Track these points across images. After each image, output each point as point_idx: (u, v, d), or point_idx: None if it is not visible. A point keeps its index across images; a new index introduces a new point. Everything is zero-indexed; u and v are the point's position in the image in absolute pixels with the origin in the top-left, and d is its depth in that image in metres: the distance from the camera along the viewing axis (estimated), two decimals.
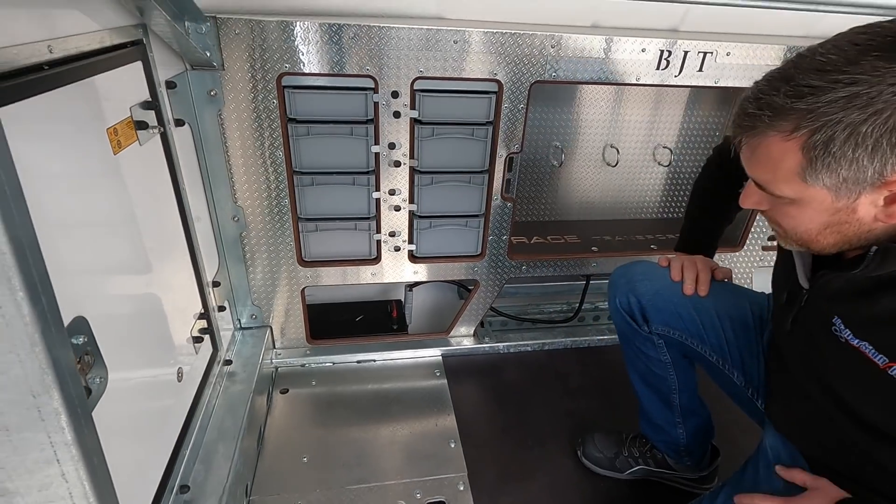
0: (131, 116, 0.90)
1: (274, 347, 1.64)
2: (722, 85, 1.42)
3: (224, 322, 1.46)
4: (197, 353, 1.20)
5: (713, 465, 1.31)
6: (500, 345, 1.77)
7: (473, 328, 1.76)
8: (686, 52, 1.36)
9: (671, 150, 1.81)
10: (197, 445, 1.15)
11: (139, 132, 0.91)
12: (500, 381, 1.69)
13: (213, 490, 1.07)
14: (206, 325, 1.26)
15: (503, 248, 1.59)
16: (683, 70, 1.38)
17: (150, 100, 0.98)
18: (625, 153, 1.80)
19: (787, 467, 0.90)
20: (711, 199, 1.22)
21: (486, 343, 1.76)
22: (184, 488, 1.04)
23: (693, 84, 1.41)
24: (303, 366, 1.66)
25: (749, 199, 0.74)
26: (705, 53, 1.37)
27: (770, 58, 1.39)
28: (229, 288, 1.47)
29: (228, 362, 1.40)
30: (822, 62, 0.59)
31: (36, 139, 0.59)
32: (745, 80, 1.42)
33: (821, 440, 0.87)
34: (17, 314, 0.40)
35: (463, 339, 1.76)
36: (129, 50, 0.90)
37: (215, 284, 1.36)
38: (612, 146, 1.77)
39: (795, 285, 0.82)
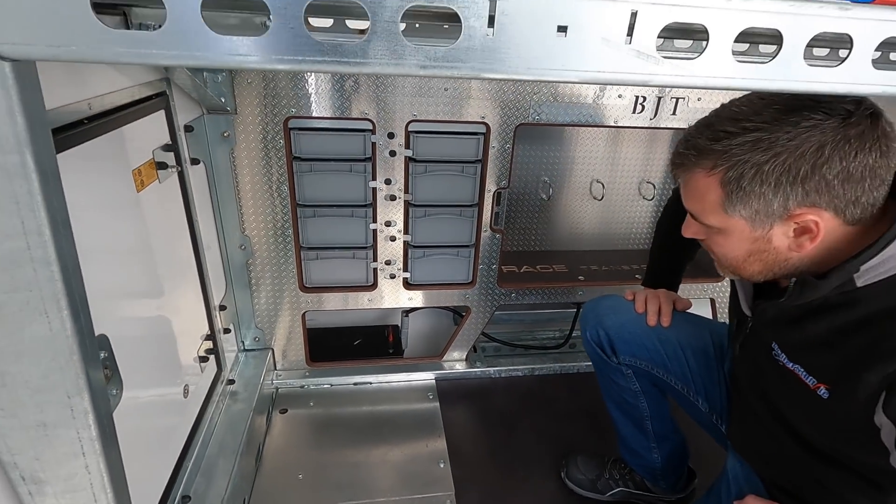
0: (153, 158, 1.02)
1: (275, 369, 1.73)
2: None
3: (228, 344, 1.55)
4: (202, 371, 1.29)
5: (689, 487, 1.36)
6: (492, 369, 1.84)
7: (466, 353, 1.84)
8: (660, 98, 1.47)
9: (655, 186, 1.91)
10: (199, 459, 1.22)
11: (159, 171, 1.03)
12: (491, 404, 1.75)
13: (213, 502, 1.14)
14: (211, 346, 1.35)
15: (493, 276, 1.68)
16: (658, 113, 1.50)
17: (170, 143, 1.10)
18: (610, 188, 1.90)
19: (742, 499, 0.91)
20: (671, 238, 1.27)
21: (478, 367, 1.83)
22: (185, 499, 1.12)
23: (667, 126, 1.52)
24: (302, 387, 1.74)
25: (688, 229, 0.83)
26: (678, 99, 1.48)
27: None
28: (235, 311, 1.57)
29: (231, 382, 1.49)
30: (735, 112, 0.70)
31: (74, 181, 0.71)
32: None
33: (771, 460, 0.94)
34: (61, 329, 0.50)
35: (456, 363, 1.84)
36: (155, 101, 1.02)
37: (222, 308, 1.46)
38: (598, 181, 1.88)
39: (741, 313, 0.91)
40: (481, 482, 1.44)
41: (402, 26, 0.42)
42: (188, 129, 1.20)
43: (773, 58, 0.49)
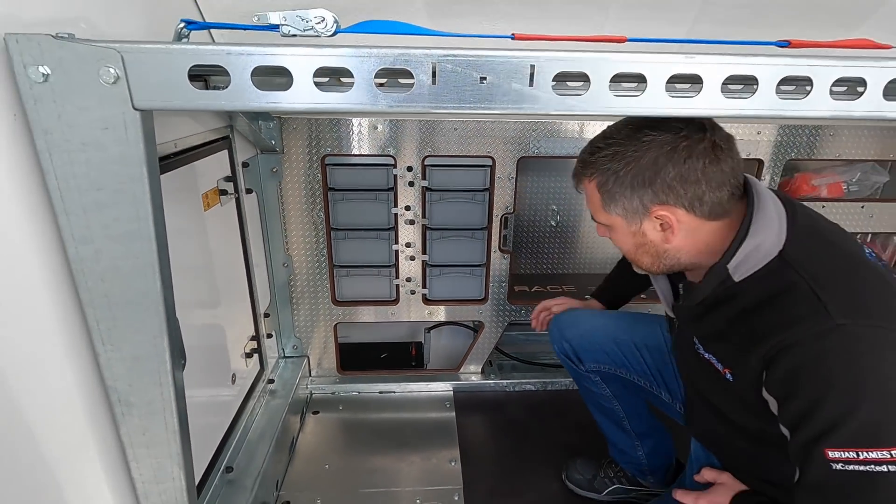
0: (217, 186, 1.30)
1: (310, 375, 1.94)
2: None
3: (270, 350, 1.79)
4: (247, 367, 1.53)
5: (678, 478, 1.43)
6: (505, 381, 1.97)
7: (481, 366, 1.99)
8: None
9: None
10: (241, 440, 1.44)
11: (221, 197, 1.31)
12: (503, 414, 1.88)
13: (251, 474, 1.35)
14: (256, 346, 1.59)
15: (503, 293, 1.86)
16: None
17: (231, 175, 1.39)
18: None
19: (701, 472, 1.05)
20: (623, 267, 1.46)
21: (493, 380, 1.98)
22: (229, 469, 1.33)
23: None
24: (333, 393, 1.94)
25: (598, 230, 0.99)
26: None
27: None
28: (277, 321, 1.82)
29: (271, 381, 1.72)
30: (606, 132, 0.90)
31: (163, 196, 0.98)
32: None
33: (714, 441, 1.06)
34: (153, 286, 0.74)
35: (472, 375, 1.99)
36: (220, 142, 1.32)
37: (266, 315, 1.71)
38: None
39: (668, 315, 1.05)
40: (487, 480, 1.57)
41: (376, 81, 0.65)
42: (245, 165, 1.50)
43: (643, 92, 0.68)
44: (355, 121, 1.58)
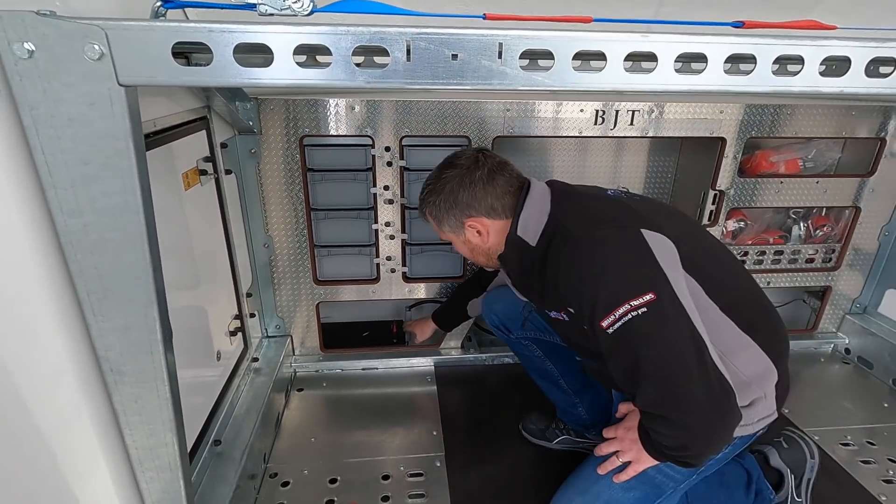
0: (196, 166, 1.31)
1: (293, 354, 1.98)
2: (651, 135, 1.76)
3: (254, 330, 1.82)
4: (231, 344, 1.56)
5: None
6: (484, 355, 2.05)
7: (461, 341, 2.06)
8: (617, 111, 1.72)
9: (627, 189, 2.12)
10: (228, 415, 1.48)
11: (201, 177, 1.33)
12: (482, 386, 1.96)
13: (239, 447, 1.39)
14: (239, 325, 1.62)
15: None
16: (617, 124, 1.74)
17: (209, 155, 1.40)
18: None
19: (618, 409, 1.22)
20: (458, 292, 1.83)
21: (472, 354, 2.05)
22: (217, 442, 1.37)
23: (626, 135, 1.75)
24: (316, 371, 1.99)
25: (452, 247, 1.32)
26: (633, 111, 1.72)
27: (690, 112, 1.74)
28: (259, 301, 1.85)
29: (255, 359, 1.75)
30: (428, 177, 1.27)
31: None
32: (671, 131, 1.76)
33: (601, 375, 1.29)
34: (143, 258, 0.77)
35: (452, 350, 2.06)
36: (198, 122, 1.33)
37: (248, 295, 1.73)
38: (623, 187, 2.11)
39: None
40: (467, 447, 1.64)
41: (353, 59, 0.69)
42: (223, 145, 1.51)
43: (602, 69, 0.73)
44: (333, 101, 1.60)
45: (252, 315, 1.78)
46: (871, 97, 1.81)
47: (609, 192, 1.23)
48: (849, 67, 0.76)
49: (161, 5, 0.95)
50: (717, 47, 0.74)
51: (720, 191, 1.88)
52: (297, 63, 0.69)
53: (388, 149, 1.69)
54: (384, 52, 0.69)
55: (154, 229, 0.78)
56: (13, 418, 0.79)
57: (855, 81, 0.77)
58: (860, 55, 0.76)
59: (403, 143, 1.69)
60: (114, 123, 0.69)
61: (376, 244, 1.83)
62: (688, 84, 0.76)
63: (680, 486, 1.18)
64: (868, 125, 1.85)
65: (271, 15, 0.92)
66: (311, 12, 0.82)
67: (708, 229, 1.87)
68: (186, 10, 1.23)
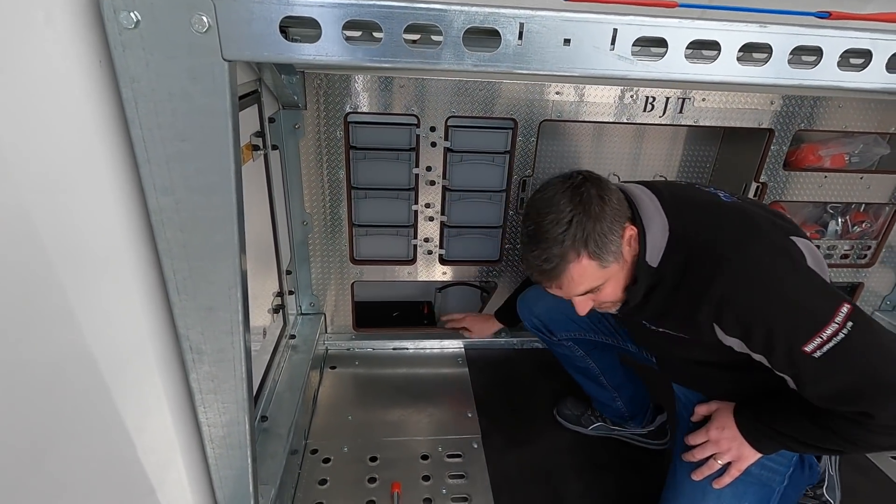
0: (250, 141, 1.29)
1: (326, 332, 1.99)
2: (700, 124, 1.73)
3: (290, 308, 1.82)
4: (273, 321, 1.56)
5: (656, 420, 1.59)
6: (515, 339, 2.05)
7: None
8: (668, 98, 1.68)
9: (665, 178, 2.10)
10: (271, 392, 1.49)
11: (254, 152, 1.31)
12: (513, 370, 1.97)
13: (285, 424, 1.40)
14: (280, 303, 1.62)
15: (518, 255, 1.91)
16: (666, 112, 1.70)
17: (260, 130, 1.37)
18: (626, 178, 2.10)
19: (695, 412, 1.19)
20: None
21: (503, 338, 2.05)
22: (264, 418, 1.38)
23: (675, 123, 1.72)
24: (348, 349, 1.99)
25: (583, 308, 1.07)
26: (684, 99, 1.69)
27: (740, 102, 1.70)
28: (296, 279, 1.84)
29: (293, 336, 1.76)
30: (534, 231, 0.99)
31: None
32: (719, 121, 1.73)
33: (694, 381, 1.23)
34: (231, 237, 0.76)
35: None
36: (251, 96, 1.30)
37: (288, 272, 1.73)
38: (614, 174, 2.08)
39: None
40: (503, 428, 1.66)
41: (464, 38, 0.66)
42: (271, 120, 1.48)
43: (714, 60, 0.71)
44: (378, 78, 1.57)
45: (291, 292, 1.78)
46: None
47: (711, 191, 1.09)
48: None
49: None
50: (833, 41, 0.71)
51: (763, 183, 1.86)
52: (406, 42, 0.66)
53: (433, 129, 1.65)
54: (496, 34, 0.66)
55: (242, 210, 0.76)
56: (94, 395, 0.79)
57: None
58: None
59: (449, 124, 1.66)
60: (215, 100, 0.66)
61: (415, 225, 1.82)
62: (801, 79, 0.74)
63: (786, 477, 1.12)
64: None
65: None
66: None
67: None
68: None
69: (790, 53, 0.71)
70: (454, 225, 1.83)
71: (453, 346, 2.03)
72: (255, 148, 1.31)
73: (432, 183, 1.74)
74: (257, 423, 1.35)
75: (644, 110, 1.69)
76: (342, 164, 1.68)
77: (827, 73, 0.72)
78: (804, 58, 0.73)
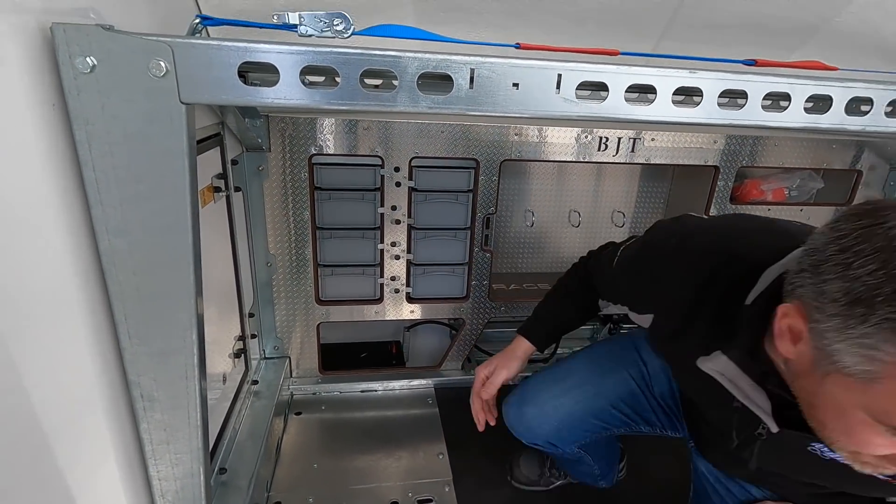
0: (211, 183, 1.28)
1: (291, 376, 1.93)
2: (652, 162, 1.83)
3: (254, 349, 1.77)
4: (234, 366, 1.51)
5: (622, 468, 1.56)
6: None
7: (461, 362, 2.05)
8: (619, 139, 1.78)
9: (624, 214, 2.19)
10: (231, 441, 1.42)
11: (215, 194, 1.30)
12: None
13: (245, 475, 1.33)
14: (242, 347, 1.57)
15: (484, 291, 1.92)
16: (619, 151, 1.80)
17: (222, 172, 1.37)
18: (586, 216, 2.18)
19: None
20: (574, 302, 1.25)
21: (472, 375, 2.03)
22: (223, 470, 1.31)
23: (628, 162, 1.82)
24: (314, 393, 1.93)
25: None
26: (635, 139, 1.79)
27: (686, 141, 1.82)
28: (259, 321, 1.79)
29: (255, 382, 1.70)
30: None
31: None
32: (668, 159, 1.83)
33: (788, 493, 1.01)
34: (187, 277, 0.75)
35: (452, 371, 2.04)
36: (214, 139, 1.30)
37: (251, 315, 1.68)
38: (575, 211, 2.16)
39: (753, 423, 0.83)
40: (476, 471, 1.62)
41: (418, 83, 0.70)
42: (234, 162, 1.48)
43: (651, 102, 0.76)
44: (343, 121, 1.60)
45: (253, 336, 1.73)
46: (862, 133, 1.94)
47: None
48: (830, 105, 0.81)
49: (200, 22, 0.94)
50: (757, 86, 0.78)
51: None
52: (362, 86, 0.69)
53: (397, 169, 1.69)
54: (448, 79, 0.70)
55: (199, 252, 0.76)
56: (32, 450, 0.74)
57: (841, 119, 0.83)
58: (880, 97, 0.82)
59: (413, 164, 1.70)
60: (172, 142, 0.67)
61: (381, 264, 1.82)
62: (730, 119, 0.80)
63: None
64: (843, 157, 1.97)
65: (310, 36, 0.92)
66: (351, 35, 0.84)
67: None
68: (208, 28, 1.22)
69: (719, 96, 0.78)
70: (420, 263, 1.84)
71: (423, 385, 2.00)
72: (217, 190, 1.30)
73: (397, 222, 1.76)
74: (215, 476, 1.28)
75: (598, 149, 1.78)
76: (307, 205, 1.68)
77: (753, 114, 0.79)
78: (737, 100, 0.79)
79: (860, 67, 1.52)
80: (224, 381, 1.39)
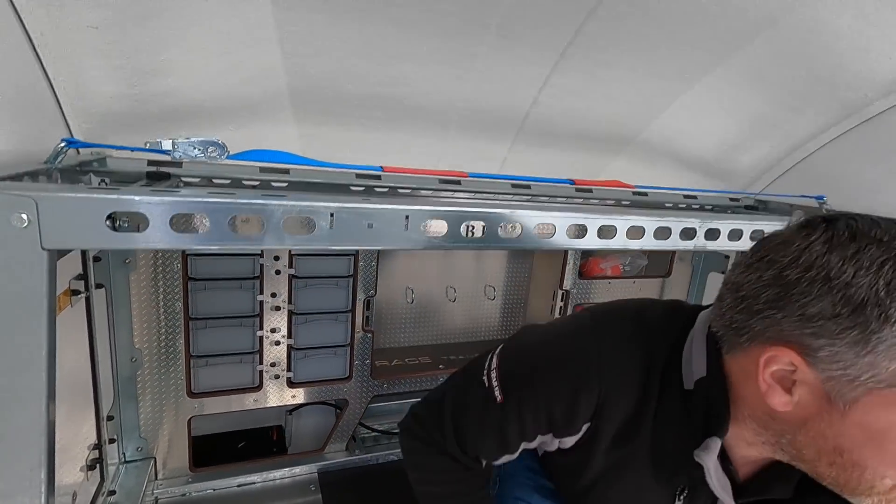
0: (69, 287, 1.23)
1: (156, 479, 1.78)
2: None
3: (112, 457, 1.62)
4: (88, 480, 1.38)
5: None
6: (369, 455, 2.06)
7: (346, 443, 2.05)
8: (484, 227, 2.02)
9: (495, 288, 2.43)
10: None
11: (73, 297, 1.24)
12: (372, 489, 1.95)
13: None
14: (97, 456, 1.44)
15: (367, 370, 1.99)
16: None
17: (82, 273, 1.32)
18: (461, 291, 2.38)
19: None
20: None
21: (357, 455, 2.05)
22: None
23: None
24: (183, 495, 1.80)
25: None
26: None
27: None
28: (120, 422, 1.66)
29: (112, 493, 1.55)
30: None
31: None
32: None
33: None
34: (37, 469, 0.74)
35: (336, 454, 2.03)
36: None
37: (109, 418, 1.56)
38: (450, 287, 2.35)
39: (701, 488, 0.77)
40: None
41: (282, 225, 0.80)
42: (96, 259, 1.42)
43: (481, 232, 0.95)
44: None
45: (112, 440, 1.59)
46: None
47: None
48: (615, 233, 1.09)
49: (65, 146, 0.97)
50: (561, 221, 1.01)
51: (566, 290, 2.27)
52: (230, 229, 0.78)
53: (276, 258, 1.74)
54: (311, 221, 0.82)
55: (54, 387, 0.75)
56: None
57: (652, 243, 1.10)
58: (650, 225, 1.11)
59: (293, 252, 1.76)
60: (31, 286, 0.69)
61: (261, 351, 1.81)
62: (539, 244, 1.01)
63: None
64: None
65: (181, 163, 1.00)
66: (225, 159, 0.93)
67: None
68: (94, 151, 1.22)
69: (534, 229, 0.99)
70: (302, 347, 1.87)
71: (305, 472, 1.96)
72: (75, 293, 1.25)
73: (277, 308, 1.79)
74: None
75: (466, 236, 2.00)
76: (180, 296, 1.64)
77: (559, 240, 1.01)
78: (545, 230, 1.01)
79: (661, 171, 1.94)
80: (74, 498, 1.26)
